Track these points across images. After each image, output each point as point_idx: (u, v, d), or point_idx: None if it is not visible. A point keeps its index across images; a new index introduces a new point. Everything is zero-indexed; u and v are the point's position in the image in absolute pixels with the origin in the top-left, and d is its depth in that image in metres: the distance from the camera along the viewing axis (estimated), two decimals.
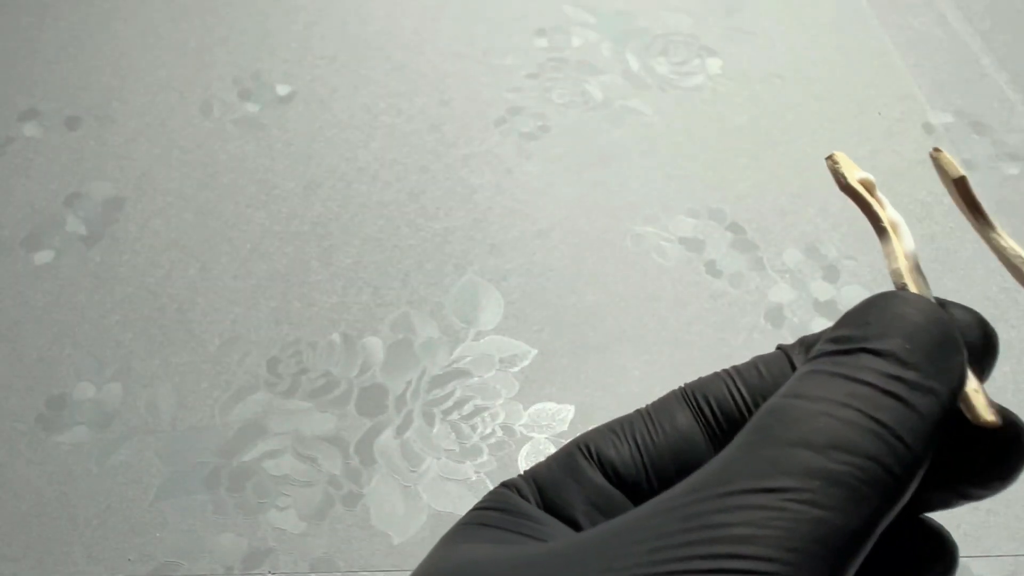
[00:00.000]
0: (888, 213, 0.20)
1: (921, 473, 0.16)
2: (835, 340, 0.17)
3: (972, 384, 0.17)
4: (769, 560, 0.14)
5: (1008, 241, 0.19)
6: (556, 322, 0.76)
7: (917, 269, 0.19)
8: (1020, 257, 0.19)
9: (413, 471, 0.67)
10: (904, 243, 0.19)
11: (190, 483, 0.66)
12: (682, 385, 0.20)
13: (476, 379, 0.72)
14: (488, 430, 0.69)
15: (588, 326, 0.76)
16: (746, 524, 0.14)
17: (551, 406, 0.71)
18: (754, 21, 1.03)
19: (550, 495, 0.19)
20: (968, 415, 0.17)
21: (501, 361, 0.73)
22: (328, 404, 0.71)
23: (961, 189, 0.19)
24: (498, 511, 0.18)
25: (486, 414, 0.70)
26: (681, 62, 0.98)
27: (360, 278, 0.79)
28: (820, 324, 0.76)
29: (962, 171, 0.19)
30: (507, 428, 0.69)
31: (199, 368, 0.73)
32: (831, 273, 0.79)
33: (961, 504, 0.18)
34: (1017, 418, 0.18)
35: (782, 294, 0.78)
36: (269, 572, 0.62)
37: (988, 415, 0.17)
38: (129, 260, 0.80)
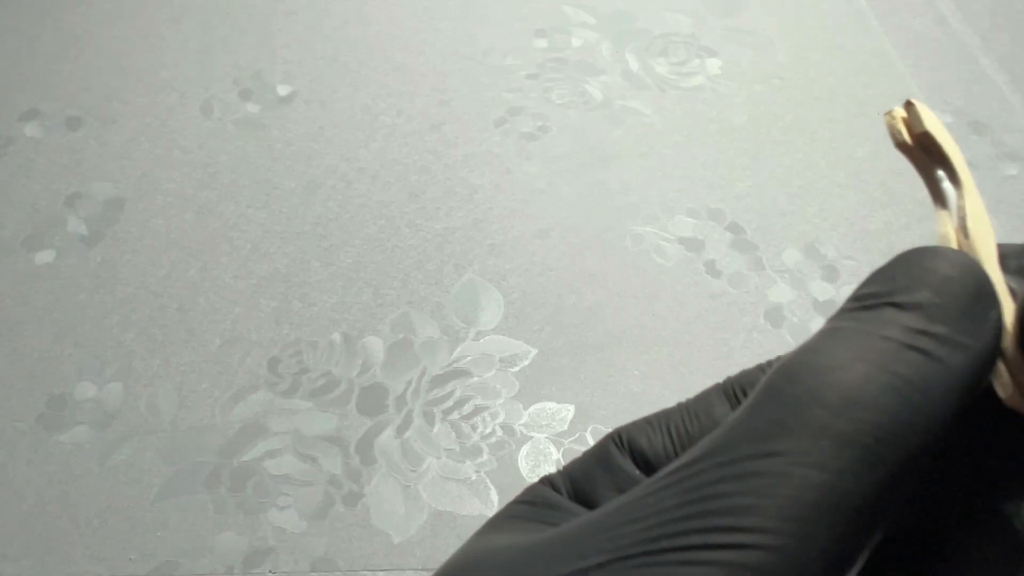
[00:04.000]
0: (951, 174, 0.18)
1: (945, 432, 0.14)
2: (858, 298, 0.16)
3: (1014, 358, 0.15)
4: (769, 532, 0.13)
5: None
6: (556, 322, 0.76)
7: (966, 233, 0.17)
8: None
9: (413, 471, 0.67)
10: (961, 206, 0.17)
11: (191, 483, 0.66)
12: (726, 378, 0.19)
13: (476, 379, 0.72)
14: (488, 430, 0.69)
15: (588, 326, 0.76)
16: (747, 493, 0.13)
17: (551, 406, 0.71)
18: (754, 21, 1.03)
19: (580, 484, 0.19)
20: (998, 392, 0.15)
21: (501, 361, 0.73)
22: (328, 404, 0.71)
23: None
24: (528, 504, 0.18)
25: (486, 414, 0.70)
26: (681, 62, 0.98)
27: (360, 278, 0.79)
28: (820, 324, 0.76)
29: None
30: (507, 428, 0.69)
31: (200, 368, 0.73)
32: (830, 273, 0.79)
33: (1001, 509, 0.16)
34: None
35: (782, 294, 0.78)
36: (270, 571, 0.63)
37: (1009, 392, 0.15)
38: (130, 260, 0.80)
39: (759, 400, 0.14)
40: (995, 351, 0.15)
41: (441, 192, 0.86)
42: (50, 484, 0.67)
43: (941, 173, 0.18)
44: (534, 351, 0.74)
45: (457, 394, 0.71)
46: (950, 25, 1.02)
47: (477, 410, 0.70)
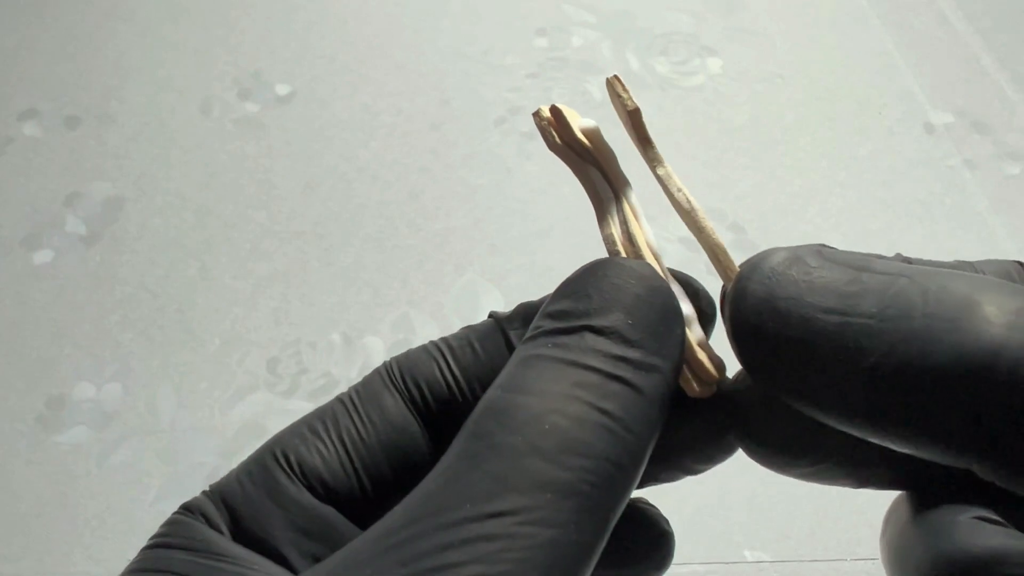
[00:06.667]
0: (608, 178, 0.18)
1: (647, 458, 0.14)
2: (554, 316, 0.15)
3: (689, 353, 0.16)
4: None
5: (674, 177, 0.19)
6: None
7: (631, 239, 0.17)
8: (681, 191, 0.19)
9: None
10: (623, 212, 0.18)
11: (190, 483, 0.66)
12: (387, 362, 0.18)
13: None
14: None
15: None
16: (476, 561, 0.12)
17: None
18: (754, 21, 1.03)
19: (246, 522, 0.15)
20: (684, 388, 0.16)
21: None
22: None
23: (635, 121, 0.19)
24: (183, 549, 0.15)
25: None
26: (681, 62, 0.98)
27: (360, 278, 0.79)
28: None
29: (636, 104, 0.19)
30: None
31: (199, 368, 0.73)
32: None
33: (684, 477, 0.17)
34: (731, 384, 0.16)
35: None
36: None
37: (691, 389, 0.16)
38: (129, 260, 0.80)
39: (475, 450, 0.13)
40: (681, 364, 0.15)
41: (441, 192, 0.85)
42: (49, 485, 0.66)
43: (599, 176, 0.18)
44: None
45: None
46: (952, 24, 1.02)
47: None
